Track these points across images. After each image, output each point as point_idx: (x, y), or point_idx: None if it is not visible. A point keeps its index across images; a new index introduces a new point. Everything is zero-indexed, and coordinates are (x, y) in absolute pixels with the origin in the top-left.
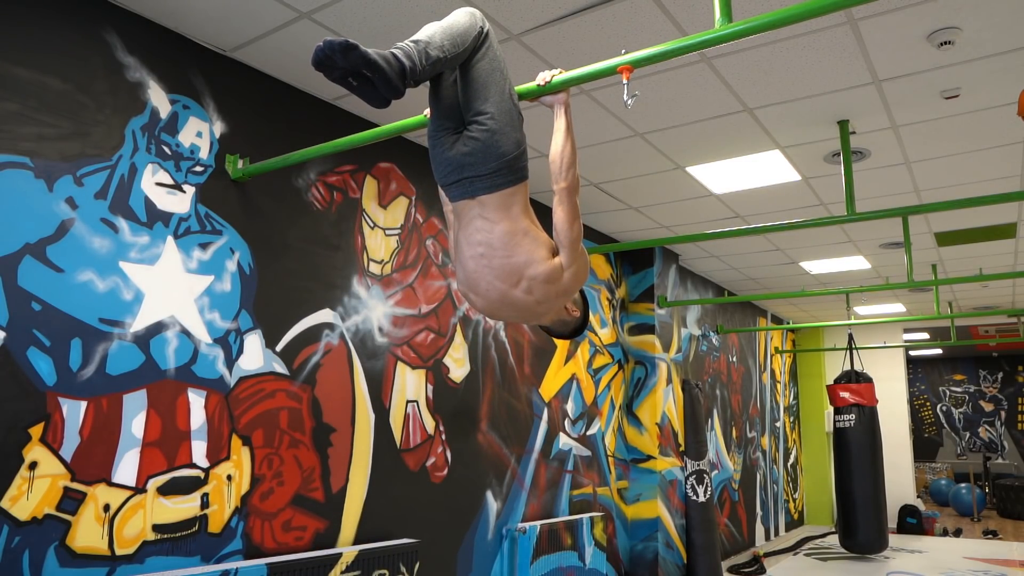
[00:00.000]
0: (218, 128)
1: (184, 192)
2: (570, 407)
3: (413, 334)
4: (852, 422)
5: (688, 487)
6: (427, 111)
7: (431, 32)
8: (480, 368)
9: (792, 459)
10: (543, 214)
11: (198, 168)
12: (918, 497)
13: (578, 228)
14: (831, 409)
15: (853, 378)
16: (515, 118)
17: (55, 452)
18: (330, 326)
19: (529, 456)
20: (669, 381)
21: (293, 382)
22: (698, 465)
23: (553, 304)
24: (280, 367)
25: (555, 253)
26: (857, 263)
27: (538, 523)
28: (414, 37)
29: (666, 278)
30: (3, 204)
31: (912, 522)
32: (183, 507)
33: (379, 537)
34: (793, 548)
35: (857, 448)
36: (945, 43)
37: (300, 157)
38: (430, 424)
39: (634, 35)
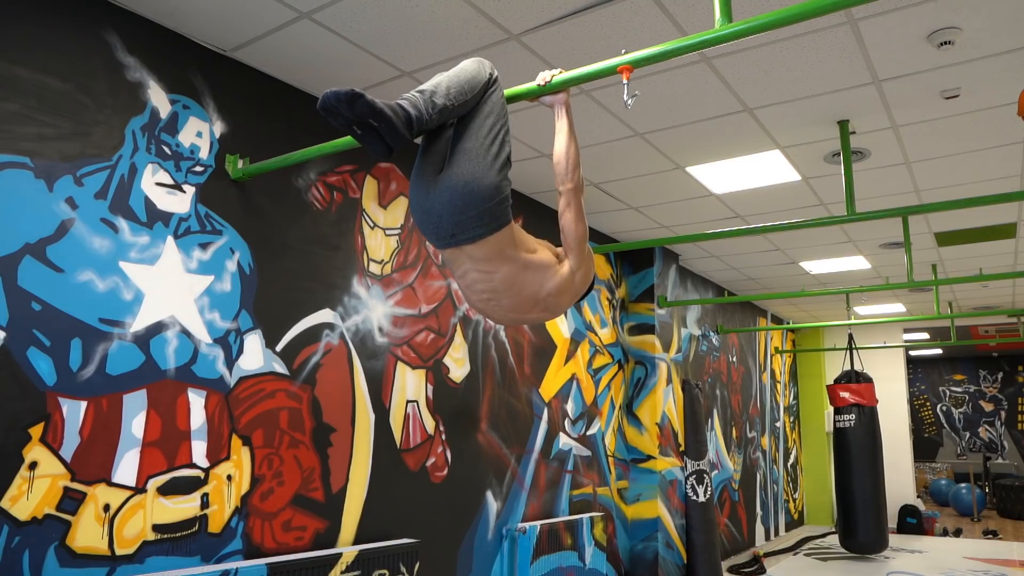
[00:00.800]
0: (218, 128)
1: (184, 192)
2: (570, 407)
3: (413, 334)
4: (852, 422)
5: (688, 487)
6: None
7: (438, 81)
8: (480, 368)
9: (792, 459)
10: (541, 215)
11: (198, 168)
12: (918, 497)
13: (584, 228)
14: (831, 409)
15: (853, 378)
16: (500, 164)
17: (55, 452)
18: (330, 326)
19: (529, 456)
20: (669, 381)
21: (293, 382)
22: (698, 465)
23: (569, 303)
24: (280, 367)
25: (560, 257)
26: (857, 263)
27: (538, 523)
28: (420, 87)
29: (666, 278)
30: (3, 204)
31: (912, 522)
32: (183, 507)
33: (379, 537)
34: (793, 548)
35: (857, 448)
36: (945, 43)
37: (300, 157)
38: (430, 424)
39: (634, 35)
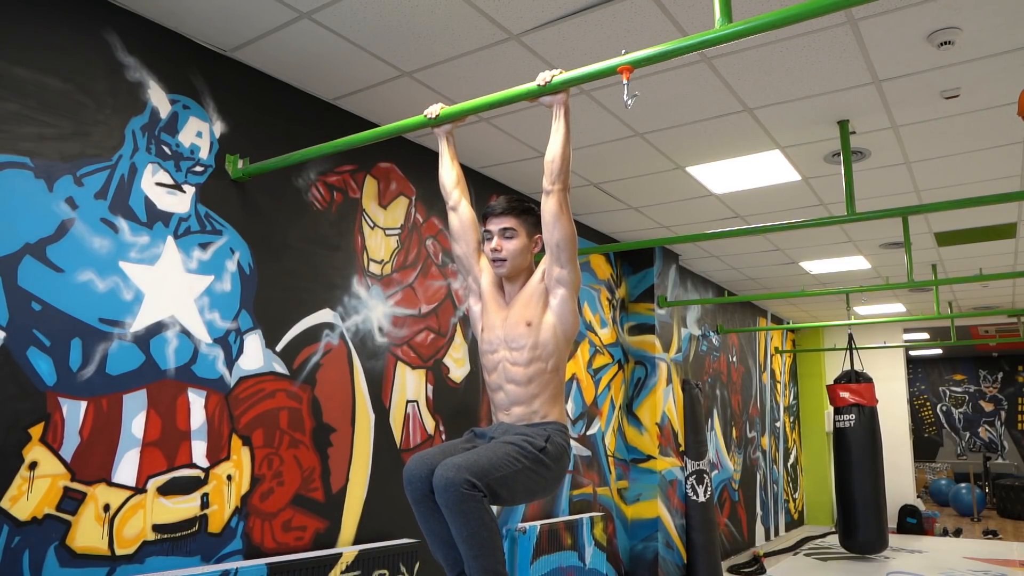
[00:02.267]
0: (218, 128)
1: (184, 192)
2: (570, 407)
3: (413, 334)
4: (852, 422)
5: (688, 487)
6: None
7: (476, 569)
8: (480, 368)
9: (792, 459)
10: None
11: (198, 168)
12: (918, 497)
13: (575, 229)
14: (831, 409)
15: (853, 378)
16: (547, 470)
17: (55, 452)
18: (330, 326)
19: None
20: (669, 381)
21: (293, 382)
22: (698, 465)
23: (574, 310)
24: (280, 367)
25: (548, 290)
26: (857, 263)
27: (538, 523)
28: None
29: (666, 278)
30: (3, 204)
31: (912, 522)
32: (183, 507)
33: (379, 537)
34: (793, 548)
35: (857, 448)
36: (945, 43)
37: (300, 157)
38: (430, 424)
39: (634, 35)
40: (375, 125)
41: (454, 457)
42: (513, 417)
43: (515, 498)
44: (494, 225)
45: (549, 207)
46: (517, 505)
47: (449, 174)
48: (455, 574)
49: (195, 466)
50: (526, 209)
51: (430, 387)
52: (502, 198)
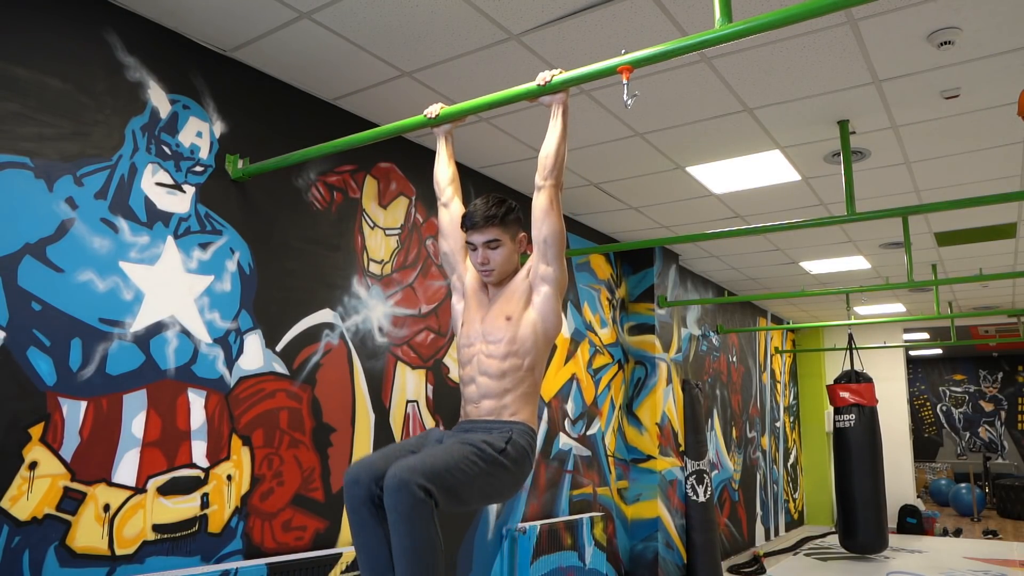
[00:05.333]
0: (218, 128)
1: (184, 192)
2: (570, 407)
3: (413, 334)
4: (852, 422)
5: (688, 487)
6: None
7: None
8: None
9: (792, 459)
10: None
11: (198, 168)
12: (918, 497)
13: (564, 225)
14: (831, 409)
15: (853, 378)
16: (504, 472)
17: (55, 452)
18: (330, 326)
19: (532, 465)
20: (669, 381)
21: (293, 382)
22: (698, 465)
23: (557, 310)
24: (280, 367)
25: (532, 284)
26: (857, 263)
27: (538, 523)
28: None
29: (666, 278)
30: (3, 204)
31: (912, 522)
32: (183, 507)
33: None
34: (793, 548)
35: (857, 448)
36: (945, 43)
37: (300, 157)
38: (430, 424)
39: (634, 35)
40: (375, 125)
41: (408, 458)
42: (482, 411)
43: (471, 502)
44: (477, 238)
45: (540, 203)
46: (473, 508)
47: (444, 172)
48: None
49: (195, 466)
50: (507, 212)
51: (430, 387)
52: (480, 205)
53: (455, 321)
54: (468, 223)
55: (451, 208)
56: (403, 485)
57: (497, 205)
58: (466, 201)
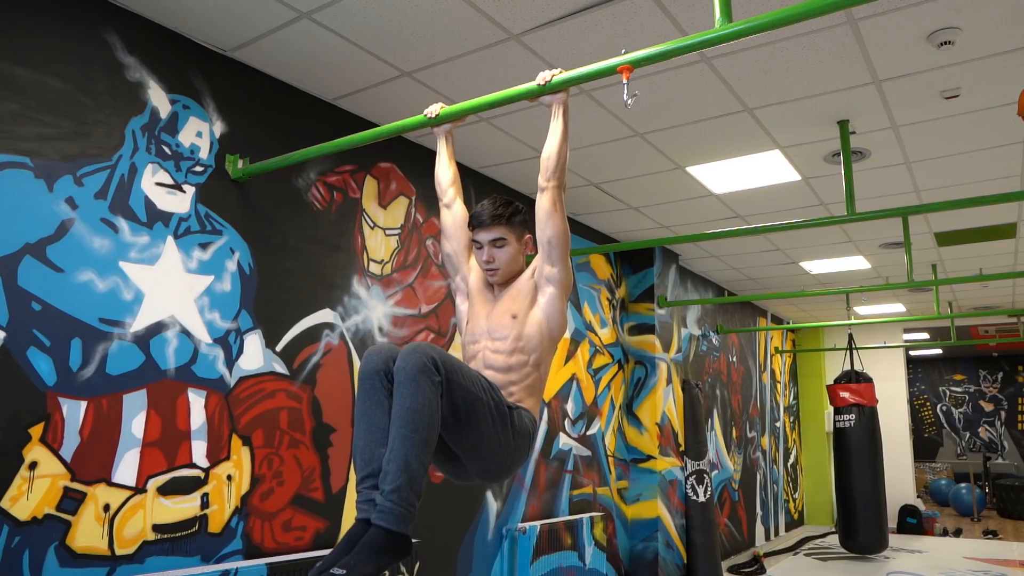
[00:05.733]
0: (218, 128)
1: (184, 192)
2: (570, 407)
3: (413, 334)
4: (852, 422)
5: (688, 487)
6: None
7: (398, 453)
8: None
9: (792, 459)
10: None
11: (198, 168)
12: (918, 497)
13: (568, 227)
14: (831, 409)
15: (853, 378)
16: (506, 429)
17: (55, 452)
18: (330, 326)
19: (529, 456)
20: (669, 381)
21: (293, 382)
22: (698, 465)
23: (563, 314)
24: (280, 367)
25: (537, 285)
26: (857, 263)
27: (538, 523)
28: (388, 483)
29: (666, 278)
30: (3, 204)
31: (912, 522)
32: (183, 507)
33: None
34: (793, 548)
35: (857, 448)
36: (945, 43)
37: (300, 157)
38: None
39: (634, 35)
40: (375, 125)
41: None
42: None
43: (467, 430)
44: (483, 236)
45: (543, 204)
46: (468, 460)
47: (446, 172)
48: (364, 475)
49: (195, 466)
50: (513, 213)
51: None
52: (487, 205)
53: (460, 322)
54: (475, 222)
55: (453, 209)
56: (417, 350)
57: (504, 205)
58: (467, 201)
